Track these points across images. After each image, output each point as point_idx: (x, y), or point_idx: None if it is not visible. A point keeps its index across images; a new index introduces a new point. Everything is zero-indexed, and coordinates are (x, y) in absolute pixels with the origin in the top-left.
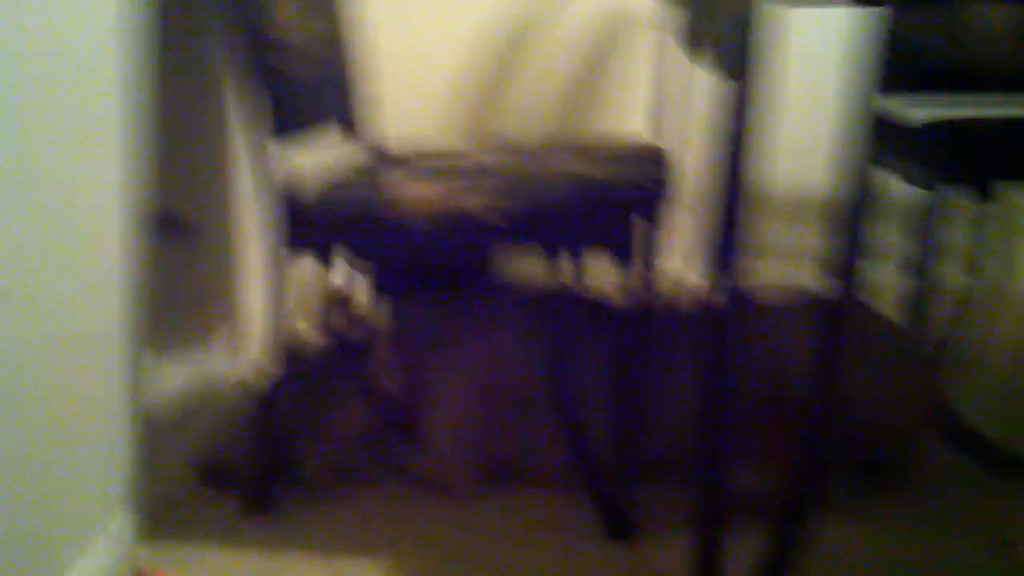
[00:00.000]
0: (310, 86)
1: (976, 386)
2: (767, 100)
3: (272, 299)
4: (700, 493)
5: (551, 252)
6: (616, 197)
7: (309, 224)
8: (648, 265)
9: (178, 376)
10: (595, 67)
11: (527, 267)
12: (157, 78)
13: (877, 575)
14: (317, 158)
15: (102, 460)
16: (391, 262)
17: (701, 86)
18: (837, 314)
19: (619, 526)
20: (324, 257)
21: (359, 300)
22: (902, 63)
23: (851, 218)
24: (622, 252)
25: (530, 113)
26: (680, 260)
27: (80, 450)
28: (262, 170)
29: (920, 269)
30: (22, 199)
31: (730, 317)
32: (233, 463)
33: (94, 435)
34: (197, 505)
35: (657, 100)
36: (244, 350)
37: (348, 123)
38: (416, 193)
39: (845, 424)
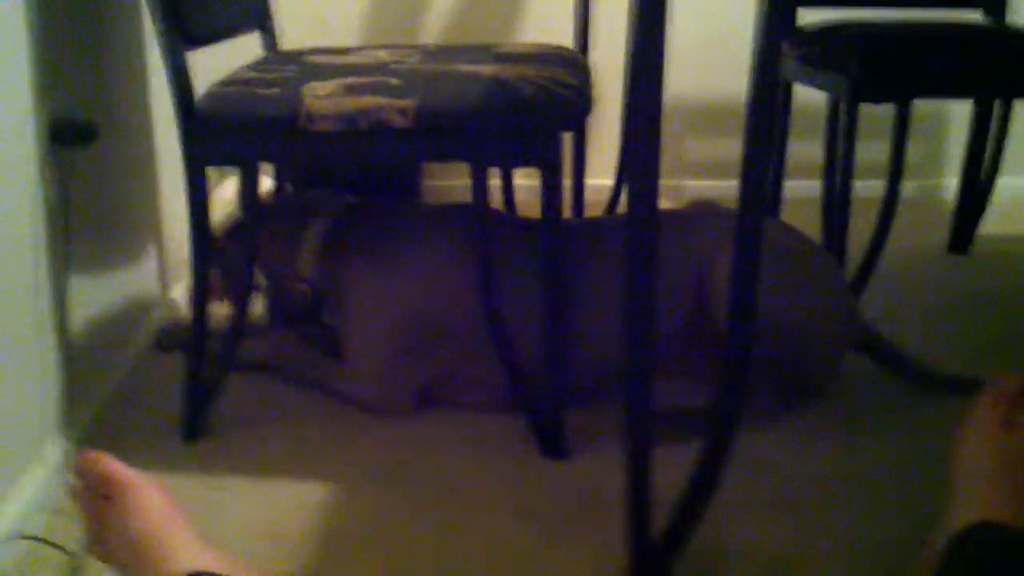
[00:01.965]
0: None
1: (892, 300)
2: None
3: (191, 215)
4: (627, 408)
5: (474, 164)
6: (531, 100)
7: (209, 134)
8: (578, 180)
9: (107, 297)
10: None
11: (454, 183)
12: None
13: (800, 479)
14: (225, 65)
15: (33, 387)
16: (302, 171)
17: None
18: (749, 228)
19: (554, 445)
20: (243, 167)
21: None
22: None
23: (760, 129)
24: (548, 164)
25: (450, 24)
26: (610, 175)
27: (9, 377)
28: (171, 80)
29: (838, 182)
30: None
31: (646, 231)
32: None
33: (22, 361)
34: (131, 432)
35: (581, 13)
36: (171, 268)
37: (261, 28)
38: (313, 92)
39: (767, 340)
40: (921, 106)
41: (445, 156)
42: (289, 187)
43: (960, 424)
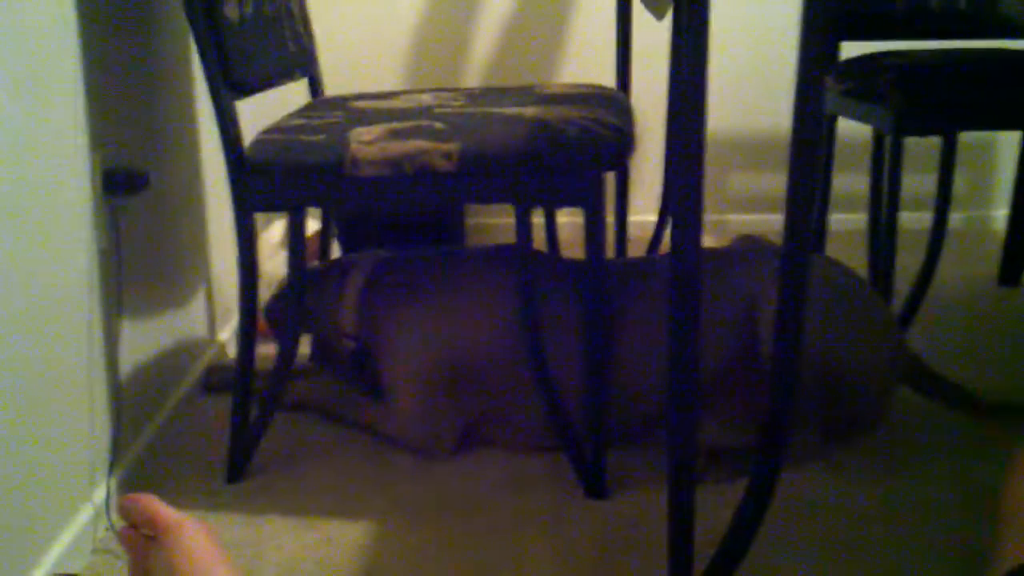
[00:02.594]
0: (261, 37)
1: (942, 333)
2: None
3: (240, 259)
4: (671, 449)
5: (517, 205)
6: (573, 142)
7: (257, 180)
8: (621, 218)
9: (157, 339)
10: (560, 20)
11: (497, 221)
12: (118, 36)
13: (847, 518)
14: (274, 111)
15: (85, 429)
16: (348, 214)
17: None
18: (794, 264)
19: (595, 484)
20: (290, 212)
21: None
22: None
23: (804, 163)
24: (590, 204)
25: (492, 65)
26: (654, 211)
27: (63, 420)
28: (220, 129)
29: (884, 214)
30: None
31: (690, 269)
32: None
33: (75, 405)
34: (176, 472)
35: (622, 50)
36: (220, 311)
37: (307, 74)
38: (359, 138)
39: (814, 378)
40: (969, 135)
41: (489, 198)
42: (335, 228)
43: (1007, 464)
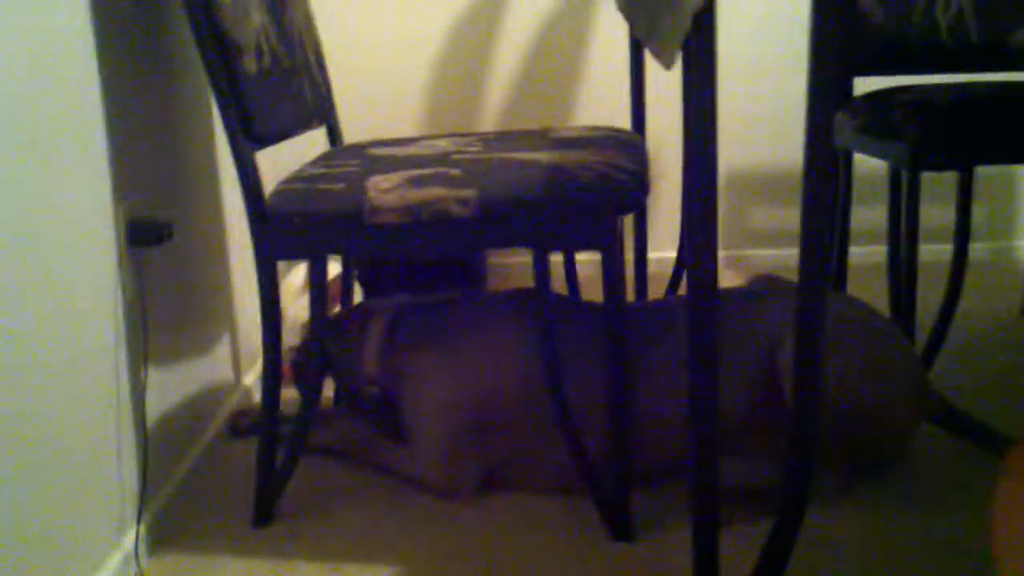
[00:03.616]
0: (279, 89)
1: (966, 368)
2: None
3: (263, 305)
4: (695, 490)
5: (535, 250)
6: (589, 186)
7: (278, 230)
8: (640, 256)
9: (182, 386)
10: (573, 64)
11: (519, 260)
12: (140, 90)
13: (870, 557)
14: (291, 158)
15: (114, 476)
16: (368, 259)
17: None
18: (811, 299)
19: (619, 527)
20: (311, 259)
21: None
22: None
23: (817, 198)
24: (607, 247)
25: (507, 109)
26: (673, 247)
27: (93, 468)
28: (241, 180)
29: (904, 247)
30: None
31: (706, 308)
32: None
33: (104, 452)
34: (203, 517)
35: (636, 91)
36: (244, 356)
37: (325, 122)
38: (376, 186)
39: (837, 417)
40: (988, 166)
41: (506, 243)
42: (356, 272)
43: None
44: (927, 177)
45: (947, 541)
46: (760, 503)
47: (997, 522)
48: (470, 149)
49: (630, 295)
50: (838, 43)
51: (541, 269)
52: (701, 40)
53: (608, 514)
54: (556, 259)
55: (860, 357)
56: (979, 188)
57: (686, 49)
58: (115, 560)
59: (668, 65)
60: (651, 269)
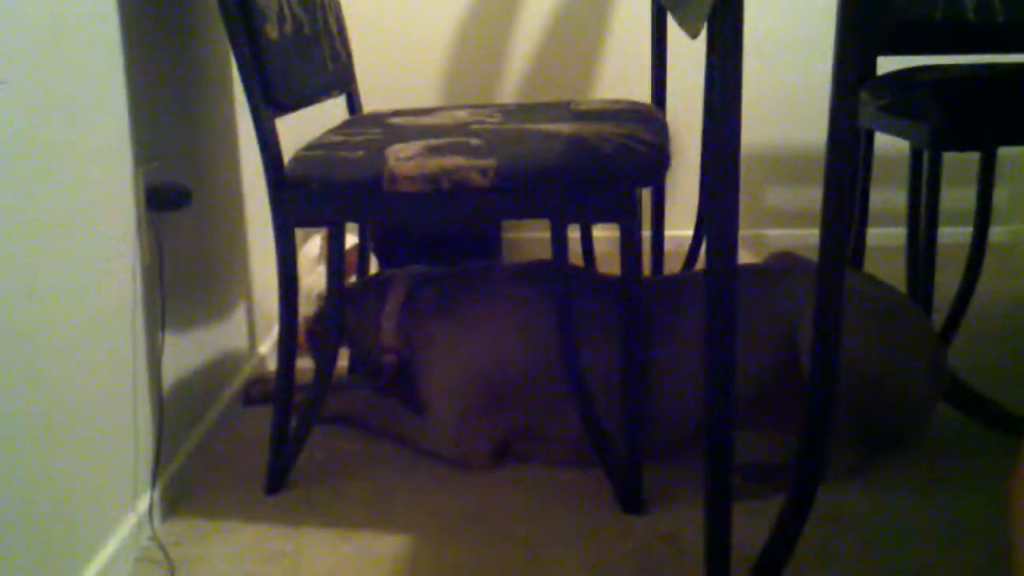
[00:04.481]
0: (300, 56)
1: (984, 350)
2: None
3: (280, 273)
4: (708, 464)
5: (553, 221)
6: (609, 158)
7: (297, 197)
8: (657, 232)
9: (198, 353)
10: (595, 37)
11: (534, 235)
12: (161, 55)
13: (884, 534)
14: (310, 127)
15: (130, 441)
16: (385, 229)
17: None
18: (830, 278)
19: (632, 499)
20: (329, 227)
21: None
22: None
23: (839, 177)
24: (626, 220)
25: (528, 81)
26: (690, 225)
27: (110, 432)
28: (261, 147)
29: (923, 229)
30: (23, 180)
31: (725, 284)
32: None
33: (120, 417)
34: (216, 483)
35: (657, 66)
36: (260, 324)
37: (345, 91)
38: (396, 154)
39: (853, 394)
40: (1009, 147)
41: (525, 214)
42: (372, 243)
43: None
44: (948, 158)
45: (960, 522)
46: (773, 479)
47: (1015, 504)
48: (490, 119)
49: (646, 271)
50: (863, 21)
51: (559, 240)
52: (728, 16)
53: (621, 487)
54: (572, 234)
55: (877, 331)
56: (1000, 170)
57: (711, 26)
58: (129, 523)
59: (694, 34)
60: (666, 247)
